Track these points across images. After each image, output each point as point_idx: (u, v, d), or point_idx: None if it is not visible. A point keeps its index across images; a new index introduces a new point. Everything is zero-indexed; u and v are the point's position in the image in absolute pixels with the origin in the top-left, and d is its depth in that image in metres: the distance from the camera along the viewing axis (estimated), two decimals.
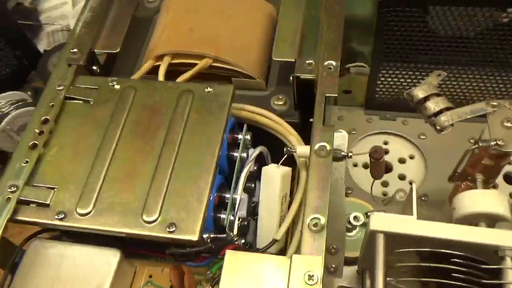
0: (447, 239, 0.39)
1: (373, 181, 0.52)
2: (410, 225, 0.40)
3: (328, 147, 0.44)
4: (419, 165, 0.65)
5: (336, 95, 0.47)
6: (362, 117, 0.68)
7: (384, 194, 0.63)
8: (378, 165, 0.48)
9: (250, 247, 0.51)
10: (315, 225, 0.40)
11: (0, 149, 0.66)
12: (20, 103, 0.67)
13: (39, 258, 0.45)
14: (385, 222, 0.41)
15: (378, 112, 0.68)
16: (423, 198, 0.61)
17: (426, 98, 0.48)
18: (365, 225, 0.51)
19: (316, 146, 0.44)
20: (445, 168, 0.53)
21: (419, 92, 0.48)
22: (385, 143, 0.67)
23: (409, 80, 0.63)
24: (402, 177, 0.64)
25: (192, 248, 0.42)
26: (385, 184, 0.64)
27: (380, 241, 0.41)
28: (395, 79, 0.64)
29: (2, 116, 0.65)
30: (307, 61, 0.51)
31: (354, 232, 0.54)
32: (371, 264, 0.41)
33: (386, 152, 0.66)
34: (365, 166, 0.65)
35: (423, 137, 0.66)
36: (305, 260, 0.38)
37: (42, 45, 0.86)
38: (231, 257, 0.39)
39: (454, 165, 0.51)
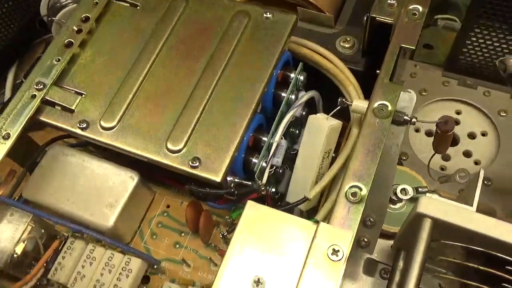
0: (509, 242, 0.33)
1: (434, 154, 0.45)
2: (466, 217, 0.35)
3: (390, 108, 0.37)
4: (491, 145, 0.58)
5: (414, 47, 0.40)
6: (439, 78, 0.62)
7: (442, 169, 0.57)
8: (444, 138, 0.42)
9: (281, 197, 0.46)
10: (354, 194, 0.34)
11: None
12: None
13: (57, 164, 0.44)
14: (436, 207, 0.35)
15: (458, 76, 0.61)
16: (485, 182, 0.54)
17: None
18: (412, 200, 0.47)
19: (376, 104, 0.38)
20: None
21: None
22: (458, 112, 0.60)
23: (504, 46, 0.55)
24: (467, 154, 0.58)
25: (212, 190, 0.38)
26: (446, 157, 0.58)
27: (426, 227, 0.35)
28: (489, 42, 0.56)
29: (59, 8, 0.62)
30: (389, 1, 0.44)
31: (398, 205, 0.48)
32: (410, 248, 0.36)
33: (457, 122, 0.59)
34: (428, 133, 0.59)
35: (504, 114, 0.58)
36: (333, 232, 0.33)
37: None
38: (251, 208, 0.35)
39: None
